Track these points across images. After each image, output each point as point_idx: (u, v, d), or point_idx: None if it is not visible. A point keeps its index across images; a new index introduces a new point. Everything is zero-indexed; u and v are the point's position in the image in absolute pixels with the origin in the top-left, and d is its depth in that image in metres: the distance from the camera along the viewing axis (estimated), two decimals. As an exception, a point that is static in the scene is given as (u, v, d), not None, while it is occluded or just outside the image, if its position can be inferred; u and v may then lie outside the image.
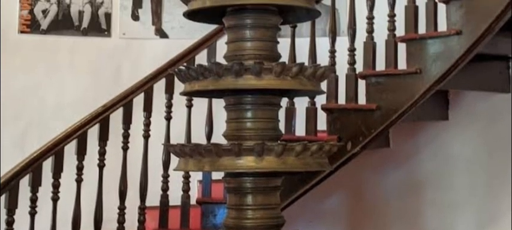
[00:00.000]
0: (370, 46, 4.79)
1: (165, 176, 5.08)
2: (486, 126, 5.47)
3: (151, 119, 5.09)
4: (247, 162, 3.26)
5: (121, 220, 4.97)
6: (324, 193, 5.61)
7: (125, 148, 5.00)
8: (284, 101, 3.83)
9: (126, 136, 5.01)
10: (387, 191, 5.73)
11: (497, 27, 4.27)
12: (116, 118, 5.03)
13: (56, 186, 4.78)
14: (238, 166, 3.28)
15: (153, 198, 5.10)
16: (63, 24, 6.33)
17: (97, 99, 5.19)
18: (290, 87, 3.37)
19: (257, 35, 3.48)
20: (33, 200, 4.70)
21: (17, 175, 4.66)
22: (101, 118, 4.96)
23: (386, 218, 5.73)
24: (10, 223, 4.63)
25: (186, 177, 5.13)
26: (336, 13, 5.09)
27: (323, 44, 5.04)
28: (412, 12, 4.67)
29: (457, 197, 5.54)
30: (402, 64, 4.66)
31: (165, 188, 5.09)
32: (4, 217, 4.63)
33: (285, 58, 3.85)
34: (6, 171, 4.68)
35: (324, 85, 3.91)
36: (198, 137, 4.93)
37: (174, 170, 3.53)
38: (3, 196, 4.63)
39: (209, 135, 5.17)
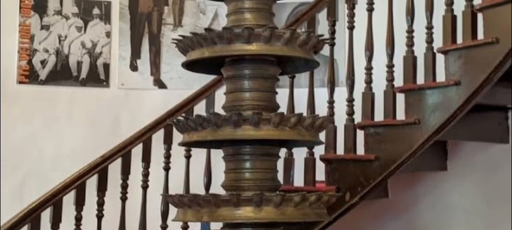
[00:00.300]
0: (368, 96, 4.80)
1: (164, 227, 5.05)
2: (485, 176, 5.46)
3: (149, 169, 5.07)
4: (246, 213, 3.26)
5: (119, 271, 4.94)
6: (323, 244, 5.57)
7: (124, 199, 4.98)
8: (282, 151, 3.83)
9: (124, 187, 5.00)
10: (386, 242, 5.70)
11: (495, 77, 4.29)
12: (115, 168, 5.02)
13: (53, 237, 4.76)
14: (236, 217, 3.27)
15: (152, 249, 5.08)
16: (61, 74, 6.35)
17: (95, 150, 5.18)
18: (288, 137, 3.37)
19: (256, 85, 3.49)
20: (32, 251, 4.67)
21: (16, 225, 4.63)
22: (100, 168, 4.95)
23: (386, 269, 5.69)
24: (7, 273, 4.60)
25: (185, 228, 5.11)
26: (335, 63, 5.10)
27: (322, 94, 5.05)
28: (410, 62, 4.68)
29: (457, 248, 5.51)
30: (401, 115, 4.66)
31: (163, 239, 5.07)
32: (1, 268, 4.60)
33: (283, 108, 3.85)
34: (5, 221, 4.65)
35: (322, 136, 3.91)
36: (197, 187, 4.92)
37: (173, 221, 3.51)
38: (0, 247, 4.60)
39: (208, 186, 5.15)
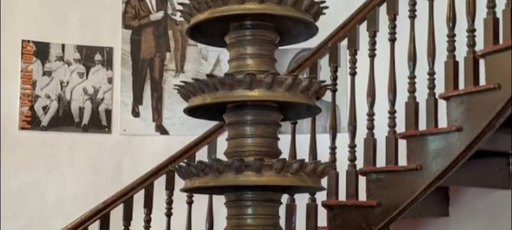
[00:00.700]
0: (370, 142, 4.80)
1: (165, 273, 5.04)
2: (487, 222, 5.44)
3: (151, 215, 5.06)
4: (248, 259, 3.25)
5: None
6: None
7: (126, 245, 4.97)
8: (284, 197, 3.82)
9: (126, 233, 4.99)
10: None
11: (497, 123, 4.29)
12: (117, 214, 5.01)
13: None
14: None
15: None
16: (63, 120, 6.37)
17: (97, 196, 5.18)
18: (290, 183, 3.37)
19: (257, 131, 3.50)
20: None
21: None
22: (102, 214, 4.94)
23: None
24: None
25: (186, 274, 5.09)
26: (337, 109, 5.11)
27: (323, 140, 5.05)
28: (412, 108, 4.69)
29: None
30: (403, 161, 4.66)
31: None
32: None
33: (285, 154, 3.86)
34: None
35: (324, 182, 3.91)
36: (199, 234, 4.92)
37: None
38: None
39: (209, 232, 5.15)
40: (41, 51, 6.35)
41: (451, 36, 4.58)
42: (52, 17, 6.40)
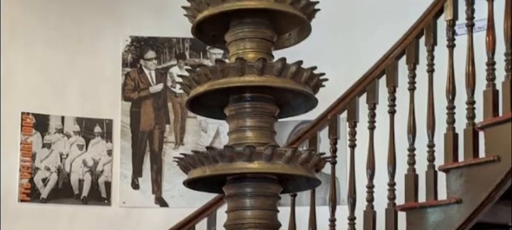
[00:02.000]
0: (370, 215, 4.79)
1: None
2: None
3: None
4: None
5: None
6: None
7: None
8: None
9: None
10: None
11: (497, 196, 4.28)
12: None
13: None
14: None
15: None
16: (63, 192, 6.36)
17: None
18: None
19: (257, 203, 3.50)
20: None
21: None
22: None
23: None
24: None
25: None
26: (336, 182, 5.12)
27: (323, 212, 5.04)
28: (412, 180, 4.68)
29: None
30: (402, 233, 4.65)
31: None
32: None
33: (285, 227, 3.85)
34: None
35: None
36: None
37: None
38: None
39: None
40: (41, 123, 6.38)
41: (451, 108, 4.59)
42: (51, 89, 6.44)
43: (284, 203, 4.51)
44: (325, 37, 5.82)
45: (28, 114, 6.34)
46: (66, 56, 6.46)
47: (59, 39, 6.44)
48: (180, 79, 3.67)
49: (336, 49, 6.36)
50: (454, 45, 4.62)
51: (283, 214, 3.88)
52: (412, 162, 4.71)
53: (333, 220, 4.91)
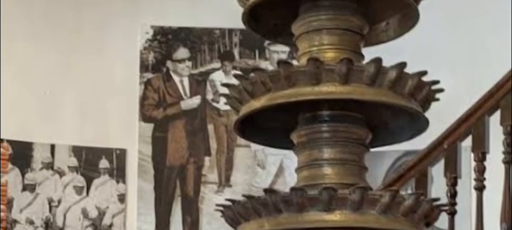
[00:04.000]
0: None
1: None
2: None
3: None
4: None
5: None
6: None
7: None
8: None
9: None
10: None
11: None
12: None
13: None
14: None
15: None
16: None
17: None
18: None
19: None
20: None
21: None
22: None
23: None
24: None
25: None
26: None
27: None
28: None
29: None
30: None
31: None
32: None
33: None
34: None
35: None
36: None
37: None
38: None
39: None
40: (20, 155, 6.46)
41: None
42: (37, 103, 6.51)
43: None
44: (439, 28, 5.84)
45: (2, 140, 6.42)
46: (59, 56, 6.55)
47: (49, 31, 6.53)
48: (225, 90, 3.70)
49: (455, 45, 6.36)
50: None
51: None
52: None
53: None
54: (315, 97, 3.48)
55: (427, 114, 3.65)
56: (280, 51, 6.56)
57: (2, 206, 6.37)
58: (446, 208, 4.73)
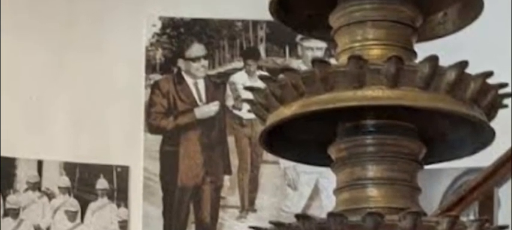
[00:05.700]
0: None
1: None
2: None
3: None
4: None
5: None
6: None
7: None
8: None
9: None
10: None
11: None
12: None
13: None
14: None
15: None
16: None
17: None
18: None
19: None
20: None
21: None
22: None
23: None
24: None
25: None
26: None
27: None
28: None
29: None
30: None
31: None
32: None
33: None
34: None
35: None
36: None
37: None
38: None
39: None
40: (1, 172, 6.49)
41: None
42: (22, 111, 6.56)
43: None
44: (506, 21, 5.85)
45: (-21, 156, 6.47)
46: (49, 54, 6.59)
47: (36, 24, 6.58)
48: (249, 95, 3.71)
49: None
50: None
51: None
52: None
53: None
54: (357, 104, 3.47)
55: (492, 124, 3.65)
56: (315, 47, 6.58)
57: (-21, 236, 6.41)
58: (518, 238, 4.74)
